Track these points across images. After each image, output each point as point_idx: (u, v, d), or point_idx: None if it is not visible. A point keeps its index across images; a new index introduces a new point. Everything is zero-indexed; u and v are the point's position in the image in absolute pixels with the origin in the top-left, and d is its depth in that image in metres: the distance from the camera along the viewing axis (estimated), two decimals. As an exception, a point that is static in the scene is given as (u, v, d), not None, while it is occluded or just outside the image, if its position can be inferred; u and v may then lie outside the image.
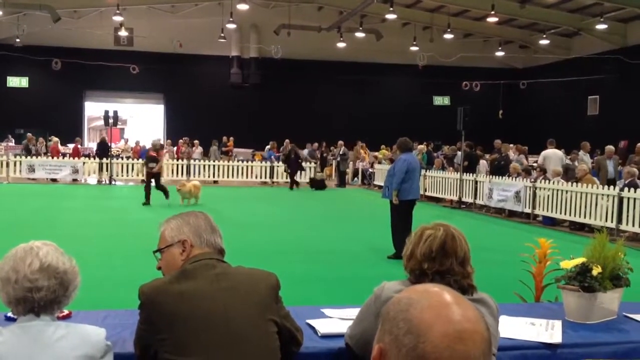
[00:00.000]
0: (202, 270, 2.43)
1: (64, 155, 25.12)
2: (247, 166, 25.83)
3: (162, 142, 18.18)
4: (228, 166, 25.58)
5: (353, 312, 2.87)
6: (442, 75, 34.44)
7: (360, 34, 30.97)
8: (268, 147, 28.17)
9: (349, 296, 7.12)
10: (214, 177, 25.11)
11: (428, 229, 2.58)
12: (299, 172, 24.11)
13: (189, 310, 2.31)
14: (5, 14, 28.85)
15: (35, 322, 2.12)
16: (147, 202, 16.27)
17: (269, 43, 32.67)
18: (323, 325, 2.97)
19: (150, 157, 16.66)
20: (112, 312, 3.20)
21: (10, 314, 2.80)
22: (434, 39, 32.74)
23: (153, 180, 16.52)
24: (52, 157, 24.33)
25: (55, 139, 26.28)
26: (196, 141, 27.56)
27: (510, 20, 32.19)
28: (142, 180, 18.13)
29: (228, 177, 25.31)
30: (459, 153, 19.70)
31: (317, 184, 23.35)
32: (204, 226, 2.60)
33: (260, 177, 25.76)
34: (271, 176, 25.55)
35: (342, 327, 2.85)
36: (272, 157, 27.00)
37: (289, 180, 23.84)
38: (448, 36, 31.19)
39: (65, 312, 2.96)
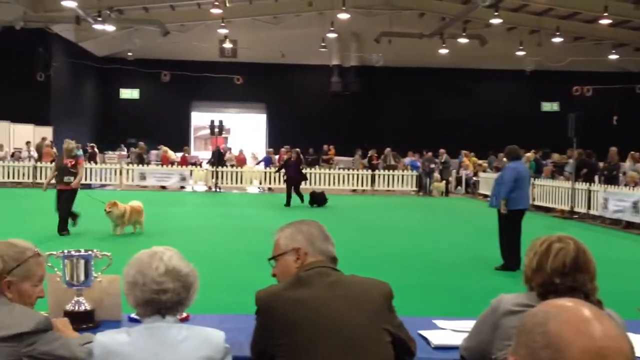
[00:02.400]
0: (316, 278, 2.45)
1: (172, 163, 26.03)
2: (348, 174, 25.78)
3: (77, 145, 12.85)
4: (330, 174, 25.67)
5: (466, 324, 2.86)
6: (550, 80, 33.18)
7: (463, 40, 30.34)
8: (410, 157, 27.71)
9: (455, 307, 6.98)
10: (318, 185, 25.19)
11: (555, 242, 2.46)
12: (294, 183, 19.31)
13: (304, 317, 2.33)
14: (118, 29, 30.31)
15: (159, 324, 2.20)
16: (63, 230, 11.81)
17: (370, 51, 32.64)
18: (436, 337, 2.96)
19: (64, 168, 11.92)
20: (228, 316, 3.25)
21: (134, 315, 2.94)
22: (542, 43, 31.58)
23: (63, 199, 11.82)
24: (162, 165, 25.29)
25: (164, 147, 27.33)
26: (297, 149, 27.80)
27: (624, 22, 30.56)
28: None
29: (330, 185, 25.34)
30: (571, 161, 18.85)
31: (316, 199, 19.03)
32: (316, 234, 2.61)
33: (362, 185, 25.65)
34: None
35: (455, 339, 2.82)
36: (413, 164, 26.56)
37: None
38: (557, 40, 30.00)
39: (184, 314, 3.00)
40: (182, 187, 24.39)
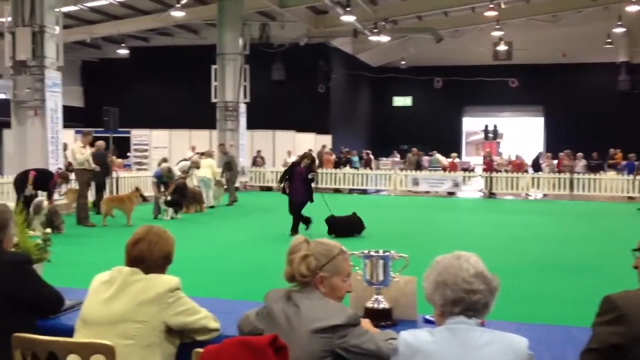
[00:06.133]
0: None
1: (444, 169, 26.05)
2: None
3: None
4: (616, 180, 23.48)
5: None
6: None
7: None
8: None
9: None
10: (603, 192, 23.21)
11: None
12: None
13: None
14: (393, 39, 31.25)
15: (462, 326, 2.22)
16: None
17: (665, 44, 29.55)
18: None
19: None
20: (523, 325, 3.15)
21: (428, 317, 3.10)
22: None
23: None
24: (434, 171, 25.45)
25: (437, 154, 27.47)
26: (579, 154, 26.02)
27: None
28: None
29: (618, 192, 23.17)
30: None
31: (338, 227, 12.19)
32: None
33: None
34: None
35: None
36: None
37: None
38: None
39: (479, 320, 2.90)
40: (451, 193, 24.22)
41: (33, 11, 14.79)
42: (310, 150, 12.61)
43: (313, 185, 12.61)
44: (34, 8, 14.80)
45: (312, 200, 12.42)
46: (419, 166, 26.28)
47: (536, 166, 25.53)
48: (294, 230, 12.22)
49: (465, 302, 2.23)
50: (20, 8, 14.88)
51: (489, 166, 24.61)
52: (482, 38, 32.04)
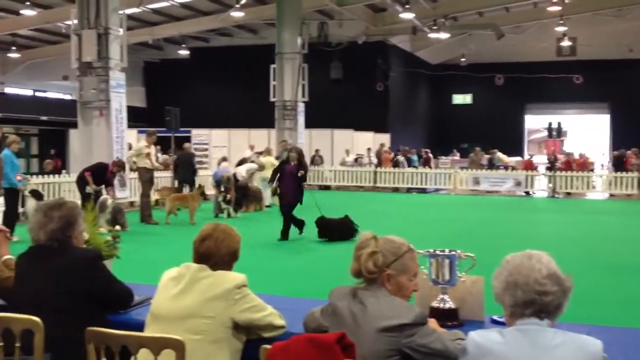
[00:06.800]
0: None
1: (506, 167, 25.54)
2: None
3: None
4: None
5: None
6: None
7: None
8: None
9: None
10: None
11: None
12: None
13: None
14: (452, 36, 30.89)
15: (534, 327, 2.16)
16: None
17: None
18: None
19: None
20: (595, 327, 3.05)
21: (496, 317, 3.10)
22: None
23: None
24: (497, 170, 24.98)
25: (498, 153, 26.92)
26: (647, 152, 25.19)
27: None
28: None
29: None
30: None
31: (328, 230, 11.45)
32: None
33: None
34: None
35: None
36: None
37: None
38: None
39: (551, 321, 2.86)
40: (527, 193, 23.67)
41: (98, 14, 15.16)
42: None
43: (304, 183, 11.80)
44: (99, 10, 15.17)
45: (300, 202, 11.52)
46: (491, 165, 25.70)
47: (618, 165, 24.61)
48: (284, 235, 11.53)
49: (537, 303, 2.17)
50: (85, 11, 15.28)
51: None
52: (545, 34, 31.35)
